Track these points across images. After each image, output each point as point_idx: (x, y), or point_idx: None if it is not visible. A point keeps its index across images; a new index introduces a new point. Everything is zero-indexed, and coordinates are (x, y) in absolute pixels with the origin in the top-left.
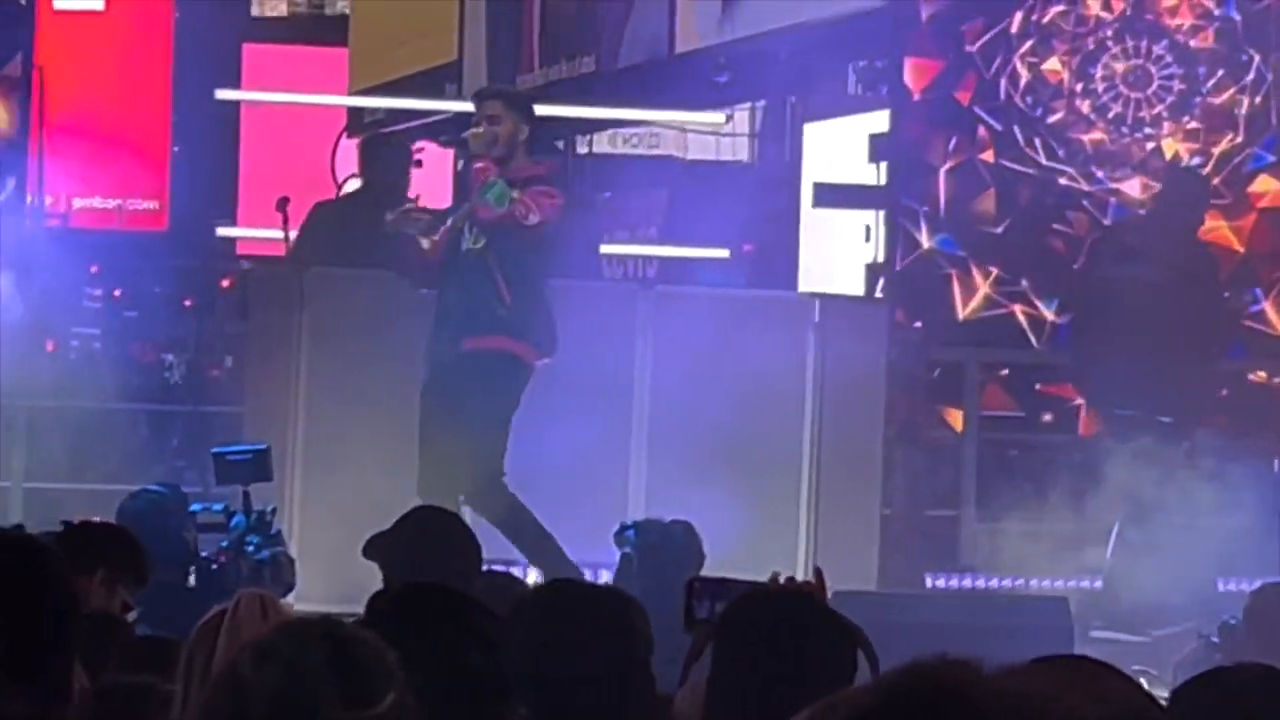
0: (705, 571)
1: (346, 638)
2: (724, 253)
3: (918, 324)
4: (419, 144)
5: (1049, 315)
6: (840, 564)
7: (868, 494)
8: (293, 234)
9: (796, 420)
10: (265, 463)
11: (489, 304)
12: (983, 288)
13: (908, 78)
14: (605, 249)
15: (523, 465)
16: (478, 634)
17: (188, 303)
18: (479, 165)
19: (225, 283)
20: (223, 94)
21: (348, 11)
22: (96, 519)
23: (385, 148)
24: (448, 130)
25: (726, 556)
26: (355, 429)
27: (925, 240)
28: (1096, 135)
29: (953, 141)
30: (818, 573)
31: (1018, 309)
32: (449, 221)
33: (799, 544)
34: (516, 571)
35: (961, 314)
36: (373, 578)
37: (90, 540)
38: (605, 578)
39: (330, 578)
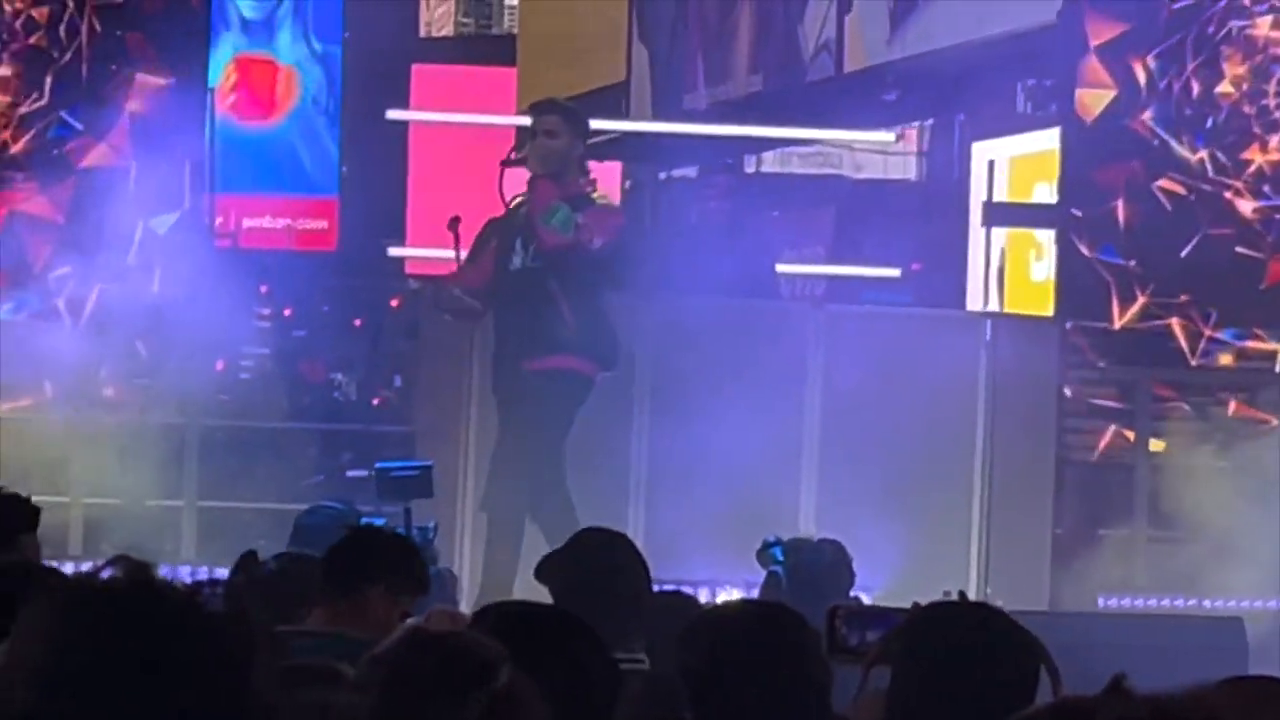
0: (879, 591)
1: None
2: (895, 271)
3: (1078, 338)
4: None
5: (1206, 330)
6: (1012, 583)
7: (1040, 513)
8: (463, 254)
9: (968, 439)
10: (428, 479)
11: (551, 324)
12: (1141, 298)
13: (1079, 102)
14: (788, 268)
15: (694, 483)
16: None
17: (357, 322)
18: (541, 186)
19: (394, 302)
20: (394, 114)
21: (515, 31)
22: (378, 527)
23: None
24: (617, 151)
25: (896, 575)
26: (528, 446)
27: (1086, 250)
28: (1273, 155)
29: (1124, 162)
30: (961, 596)
31: (1174, 322)
32: (492, 242)
33: (970, 563)
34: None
35: (1118, 323)
36: (542, 596)
37: (373, 550)
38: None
39: (501, 596)
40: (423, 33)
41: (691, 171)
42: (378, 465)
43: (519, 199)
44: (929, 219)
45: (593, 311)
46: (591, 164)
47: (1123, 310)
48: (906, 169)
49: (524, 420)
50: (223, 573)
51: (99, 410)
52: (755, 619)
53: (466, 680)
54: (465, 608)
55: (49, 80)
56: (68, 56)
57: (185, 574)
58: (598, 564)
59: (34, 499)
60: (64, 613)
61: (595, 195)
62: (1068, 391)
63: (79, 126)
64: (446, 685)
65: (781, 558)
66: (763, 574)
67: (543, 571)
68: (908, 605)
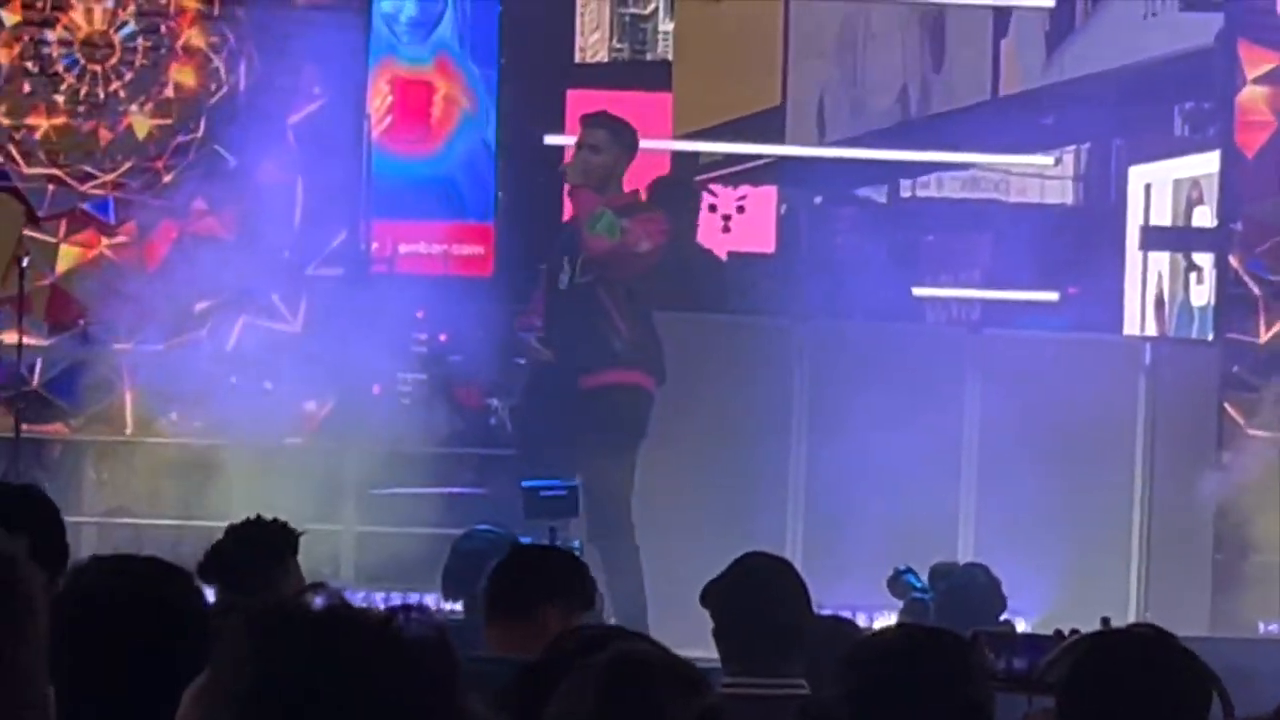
0: (1035, 617)
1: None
2: (1053, 295)
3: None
4: (741, 191)
5: None
6: (1172, 609)
7: (1200, 538)
8: None
9: (1127, 463)
10: (575, 499)
11: (606, 339)
12: None
13: (1239, 135)
14: (929, 292)
15: (851, 506)
16: None
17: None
18: (582, 196)
19: None
20: (552, 139)
21: (668, 57)
22: (547, 544)
23: (673, 191)
24: (772, 175)
25: (1053, 601)
26: (687, 473)
27: (1237, 263)
28: None
29: None
30: (1104, 624)
31: None
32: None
33: (1130, 588)
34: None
35: (1263, 338)
36: (689, 618)
37: (544, 569)
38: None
39: (657, 620)
40: (577, 58)
41: (847, 195)
42: (524, 484)
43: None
44: (1086, 243)
45: (644, 323)
46: (746, 188)
47: (1269, 325)
48: (1063, 193)
49: (589, 441)
50: (399, 598)
51: (257, 436)
52: (919, 643)
53: (677, 697)
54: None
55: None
56: (224, 90)
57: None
58: (760, 589)
59: (193, 523)
60: (267, 640)
61: (637, 204)
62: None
63: (232, 160)
64: (657, 703)
65: (918, 585)
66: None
67: (706, 597)
68: (1066, 631)
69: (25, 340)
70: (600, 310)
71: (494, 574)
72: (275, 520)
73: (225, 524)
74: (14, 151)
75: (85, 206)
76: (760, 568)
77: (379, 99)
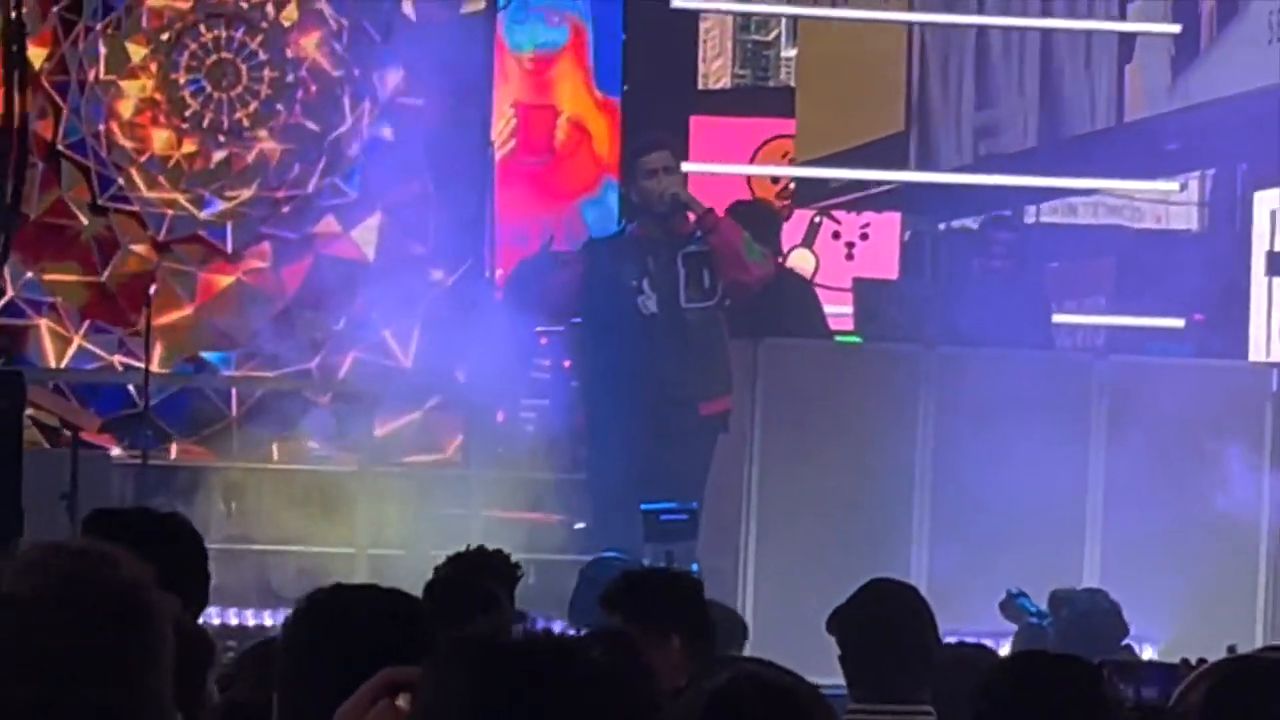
0: (1161, 644)
1: None
2: (1178, 322)
3: None
4: (865, 218)
5: None
6: None
7: None
8: None
9: (1254, 491)
10: (695, 522)
11: (724, 364)
12: None
13: None
14: (1069, 319)
15: (977, 530)
16: None
17: None
18: (724, 224)
19: None
20: None
21: (790, 84)
22: (678, 572)
23: (752, 212)
24: (896, 202)
25: (1181, 627)
26: (808, 499)
27: None
28: None
29: None
30: (1230, 651)
31: None
32: (594, 274)
33: (1256, 614)
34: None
35: None
36: (817, 647)
37: (663, 601)
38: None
39: (783, 647)
40: (700, 85)
41: (971, 222)
42: (643, 507)
43: (613, 242)
44: (1211, 269)
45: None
46: (870, 215)
47: None
48: (1188, 219)
49: (695, 464)
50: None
51: (382, 461)
52: (1051, 671)
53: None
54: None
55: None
56: (350, 117)
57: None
58: (888, 615)
59: (319, 550)
60: (480, 672)
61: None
62: None
63: (389, 137)
64: None
65: (1032, 609)
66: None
67: (833, 622)
68: (1194, 660)
69: (149, 367)
70: (719, 337)
71: (620, 592)
72: (498, 552)
73: (351, 550)
74: (135, 176)
75: (203, 232)
76: (888, 594)
77: (503, 121)
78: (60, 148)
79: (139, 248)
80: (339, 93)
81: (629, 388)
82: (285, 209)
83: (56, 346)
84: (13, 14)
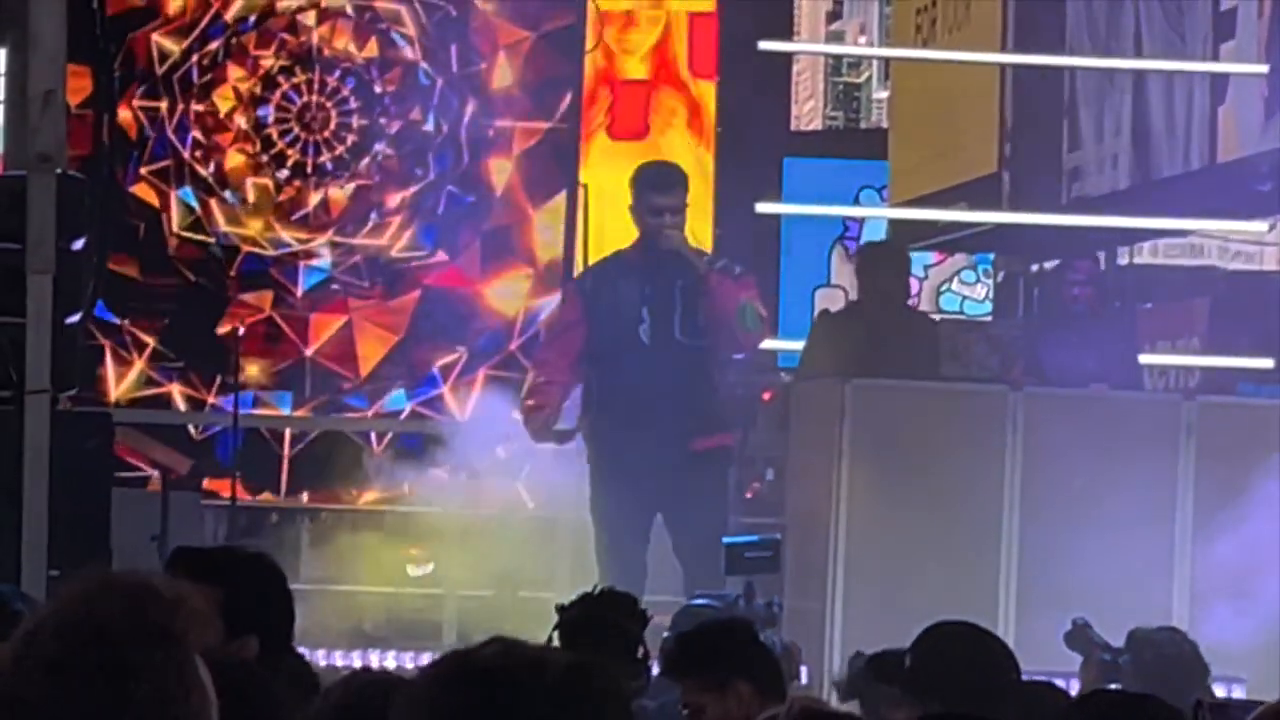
0: (1252, 685)
1: None
2: (1268, 362)
3: None
4: (958, 258)
5: None
6: None
7: None
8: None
9: None
10: (777, 555)
11: (713, 399)
12: None
13: None
14: (1147, 359)
15: (1066, 573)
16: None
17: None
18: (723, 286)
19: (766, 395)
20: (763, 207)
21: (881, 125)
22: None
23: (880, 256)
24: (989, 243)
25: (1274, 662)
26: (895, 541)
27: None
28: None
29: None
30: None
31: None
32: (585, 300)
33: None
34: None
35: None
36: None
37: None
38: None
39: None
40: (792, 126)
41: (1063, 263)
42: (725, 541)
43: (604, 266)
44: None
45: (727, 382)
46: (963, 255)
47: None
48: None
49: (697, 501)
50: None
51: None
52: (1131, 710)
53: None
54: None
55: (430, 158)
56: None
57: None
58: (957, 653)
59: (409, 590)
60: (448, 689)
61: (709, 259)
62: None
63: (469, 199)
64: None
65: (1099, 640)
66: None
67: (887, 671)
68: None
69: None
70: (706, 372)
71: (674, 657)
72: (627, 594)
73: (439, 591)
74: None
75: (344, 276)
76: (956, 634)
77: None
78: (181, 233)
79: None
80: (425, 120)
81: (627, 420)
82: (382, 239)
83: (117, 370)
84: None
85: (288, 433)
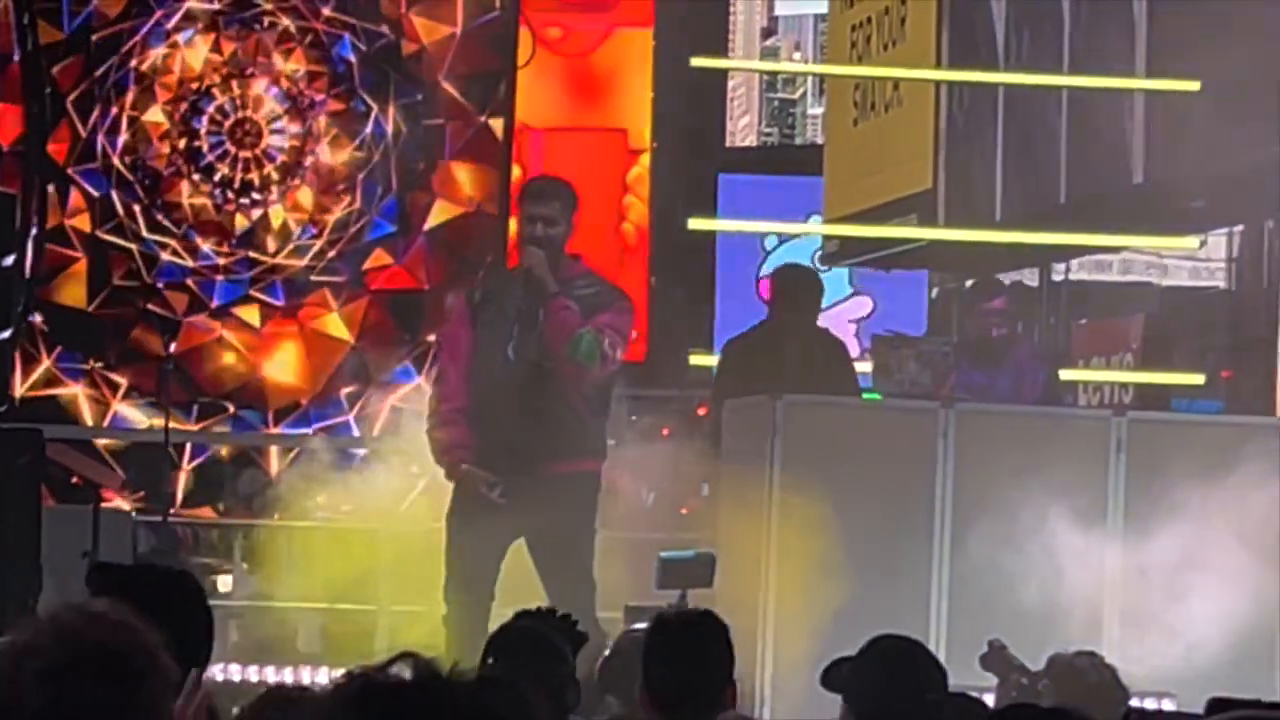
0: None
1: None
2: (1198, 378)
3: None
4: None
5: None
6: None
7: None
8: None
9: (1273, 547)
10: (710, 569)
11: (577, 424)
12: None
13: None
14: (1080, 375)
15: (998, 589)
16: None
17: (665, 431)
18: (558, 311)
19: (701, 410)
20: (696, 224)
21: (817, 141)
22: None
23: (795, 278)
24: (924, 259)
25: (1204, 677)
26: (827, 557)
27: None
28: None
29: None
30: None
31: None
32: (479, 314)
33: (1275, 674)
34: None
35: None
36: (836, 705)
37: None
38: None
39: (803, 708)
40: (727, 142)
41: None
42: (661, 555)
43: (488, 277)
44: (1240, 326)
45: (605, 408)
46: (898, 271)
47: None
48: (1216, 276)
49: (553, 526)
50: None
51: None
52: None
53: None
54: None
55: (360, 180)
56: (376, 157)
57: None
58: (900, 670)
59: (342, 606)
60: (354, 708)
61: (592, 284)
62: None
63: (391, 227)
64: None
65: (1016, 663)
66: None
67: (831, 679)
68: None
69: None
70: (571, 395)
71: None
72: (567, 615)
73: (374, 608)
74: (178, 246)
75: (255, 292)
76: (897, 650)
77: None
78: (100, 235)
79: (197, 318)
80: (360, 128)
81: (487, 438)
82: (330, 254)
83: (95, 410)
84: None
85: (187, 447)
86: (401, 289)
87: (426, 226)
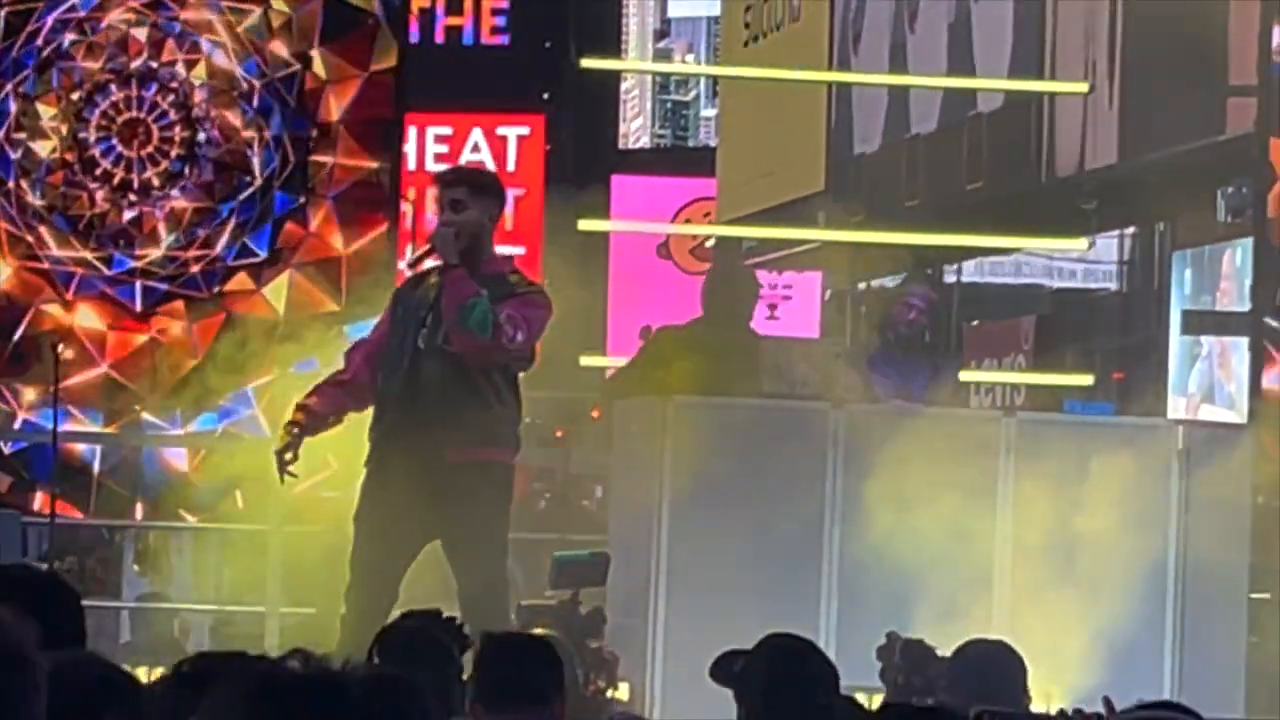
0: (1074, 697)
1: None
2: (1088, 379)
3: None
4: (787, 277)
5: None
6: (1206, 691)
7: (1233, 622)
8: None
9: (1161, 547)
10: (603, 569)
11: (482, 412)
12: None
13: (1272, 203)
14: (972, 376)
15: (887, 588)
16: None
17: (559, 434)
18: (454, 280)
19: (595, 413)
20: (586, 224)
21: (710, 143)
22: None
23: (730, 278)
24: (816, 261)
25: (1089, 678)
26: (717, 558)
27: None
28: None
29: None
30: (1106, 702)
31: None
32: (396, 307)
33: (1164, 669)
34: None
35: None
36: (728, 704)
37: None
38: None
39: (694, 708)
40: (620, 144)
41: (890, 281)
42: (555, 555)
43: (424, 270)
44: (1131, 327)
45: (515, 395)
46: (791, 273)
47: None
48: (1108, 278)
49: (460, 518)
50: None
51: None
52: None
53: None
54: (658, 715)
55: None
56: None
57: None
58: (789, 670)
59: (231, 608)
60: (248, 702)
61: (514, 278)
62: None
63: (263, 253)
64: None
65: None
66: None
67: (721, 673)
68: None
69: (79, 428)
70: (478, 382)
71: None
72: (452, 618)
73: (263, 609)
74: (45, 234)
75: (111, 291)
76: (787, 648)
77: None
78: (18, 261)
79: (50, 307)
80: (249, 153)
81: (390, 428)
82: (195, 268)
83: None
84: None
85: (98, 450)
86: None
87: (295, 260)
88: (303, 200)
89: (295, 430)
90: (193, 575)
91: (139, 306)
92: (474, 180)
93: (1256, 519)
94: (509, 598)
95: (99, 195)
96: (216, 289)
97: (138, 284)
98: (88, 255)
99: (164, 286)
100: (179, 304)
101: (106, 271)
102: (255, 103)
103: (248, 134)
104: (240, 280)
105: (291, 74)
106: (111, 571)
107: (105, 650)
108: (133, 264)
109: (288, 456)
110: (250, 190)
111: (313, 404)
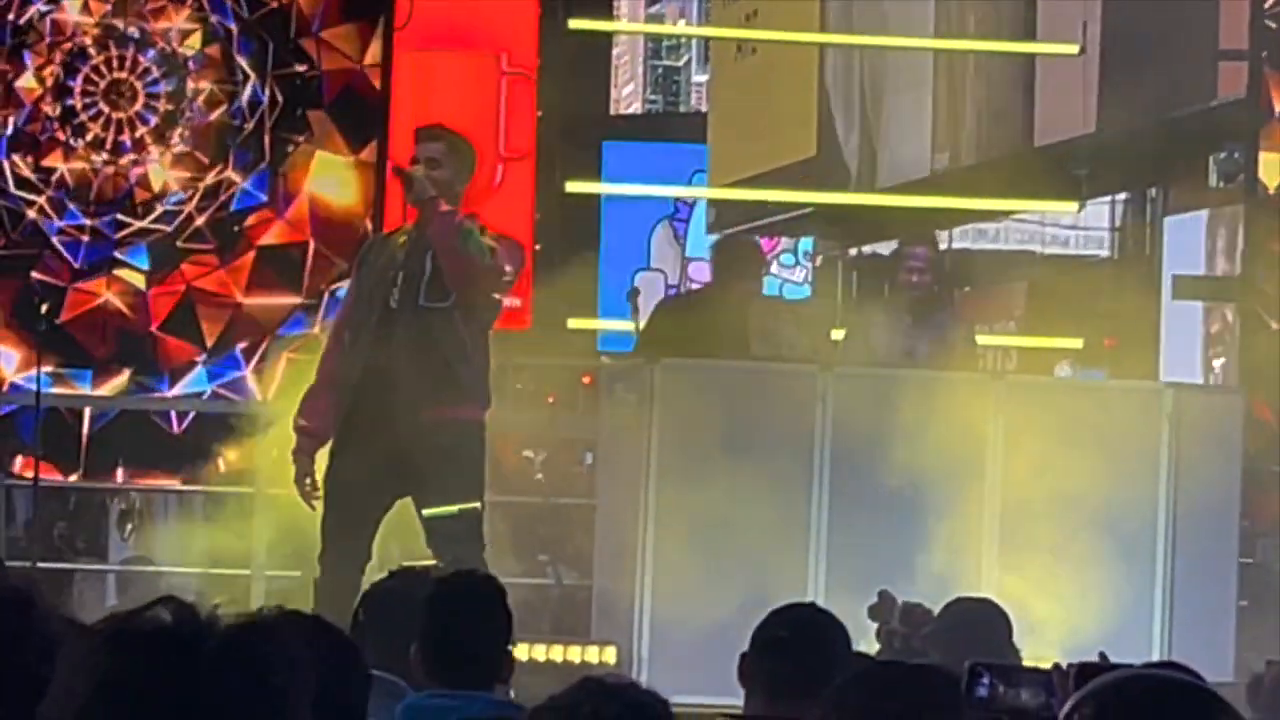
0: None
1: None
2: (1077, 342)
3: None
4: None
5: None
6: (1196, 654)
7: (1223, 585)
8: (642, 324)
9: (1150, 510)
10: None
11: (457, 368)
12: None
13: (1262, 168)
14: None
15: (877, 551)
16: None
17: (550, 399)
18: (439, 213)
19: (586, 379)
20: (574, 186)
21: (701, 109)
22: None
23: (737, 248)
24: (808, 227)
25: (1078, 640)
26: (705, 522)
27: (1275, 324)
28: None
29: None
30: (1102, 656)
31: None
32: (362, 269)
33: (1153, 635)
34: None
35: None
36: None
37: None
38: None
39: (681, 671)
40: (612, 110)
41: (883, 247)
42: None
43: (388, 232)
44: (1122, 293)
45: (486, 354)
46: (782, 239)
47: None
48: (1100, 244)
49: (431, 476)
50: None
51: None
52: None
53: None
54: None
55: (231, 151)
56: (249, 127)
57: None
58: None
59: (217, 571)
60: (107, 651)
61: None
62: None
63: (262, 197)
64: None
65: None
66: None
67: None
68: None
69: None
70: (452, 338)
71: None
72: (488, 575)
73: (248, 571)
74: (45, 205)
75: (121, 255)
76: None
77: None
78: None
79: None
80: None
81: (360, 388)
82: (199, 220)
83: None
84: None
85: (87, 412)
86: (284, 243)
87: (306, 185)
88: (302, 139)
89: (302, 457)
90: (179, 539)
91: (147, 268)
92: (451, 139)
93: (1246, 482)
94: (483, 560)
95: (95, 159)
96: (237, 228)
97: (143, 245)
98: (93, 223)
99: (177, 245)
100: (210, 256)
101: (113, 236)
102: (235, 47)
103: (234, 78)
104: (260, 214)
105: (269, 12)
106: (98, 535)
107: (91, 614)
108: (134, 225)
109: (308, 484)
110: (243, 134)
111: (307, 426)
